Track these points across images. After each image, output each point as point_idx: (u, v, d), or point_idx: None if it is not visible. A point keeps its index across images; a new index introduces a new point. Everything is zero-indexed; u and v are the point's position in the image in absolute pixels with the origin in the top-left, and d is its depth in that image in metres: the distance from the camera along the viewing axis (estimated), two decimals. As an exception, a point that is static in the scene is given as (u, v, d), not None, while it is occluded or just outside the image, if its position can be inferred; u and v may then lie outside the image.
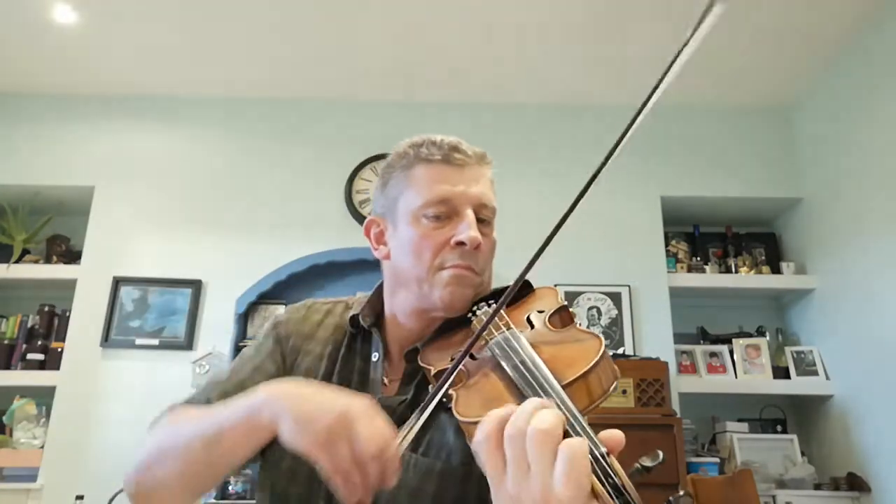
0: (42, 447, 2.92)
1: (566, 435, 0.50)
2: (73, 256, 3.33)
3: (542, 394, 0.57)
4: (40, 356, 3.12)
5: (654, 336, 3.12)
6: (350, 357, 0.93)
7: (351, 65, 3.25)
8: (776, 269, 3.32)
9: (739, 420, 3.13)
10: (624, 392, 2.64)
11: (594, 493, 0.47)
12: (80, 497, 2.68)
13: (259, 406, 0.71)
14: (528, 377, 0.61)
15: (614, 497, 0.47)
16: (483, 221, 0.88)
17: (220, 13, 2.90)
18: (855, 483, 2.76)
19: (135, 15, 2.92)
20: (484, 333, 0.72)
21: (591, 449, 0.49)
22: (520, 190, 3.36)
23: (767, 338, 3.27)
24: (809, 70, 3.19)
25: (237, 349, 3.05)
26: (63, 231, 3.40)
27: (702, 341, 3.31)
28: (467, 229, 0.84)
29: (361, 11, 2.88)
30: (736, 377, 3.13)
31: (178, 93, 3.49)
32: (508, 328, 0.74)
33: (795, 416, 3.28)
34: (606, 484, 0.48)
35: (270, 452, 0.87)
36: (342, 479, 0.65)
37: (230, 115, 3.50)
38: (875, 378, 2.75)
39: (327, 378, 0.91)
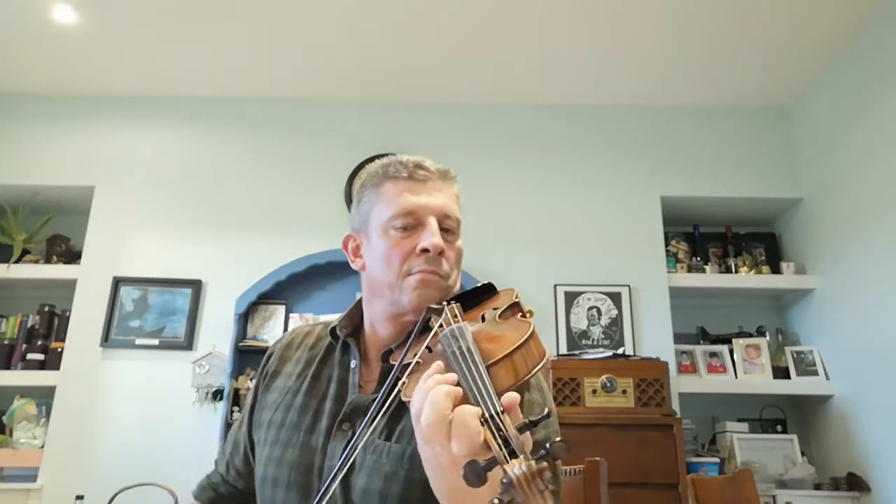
0: (42, 447, 2.92)
1: (467, 401, 0.63)
2: (73, 256, 3.33)
3: (468, 374, 0.67)
4: (40, 356, 3.12)
5: (654, 336, 3.12)
6: (325, 369, 1.03)
7: (351, 65, 3.25)
8: (776, 269, 3.32)
9: (739, 420, 3.14)
10: (624, 392, 2.64)
11: (487, 443, 0.58)
12: (80, 497, 2.68)
13: None
14: (461, 361, 0.70)
15: (502, 447, 0.56)
16: (447, 231, 0.96)
17: (221, 13, 2.90)
18: (855, 483, 2.76)
19: (135, 15, 2.92)
20: (438, 329, 0.81)
21: (485, 410, 0.60)
22: (517, 189, 3.36)
23: (767, 338, 3.27)
24: (809, 70, 3.19)
25: (237, 349, 3.05)
26: (63, 231, 3.40)
27: (702, 341, 3.31)
28: (430, 237, 0.92)
29: (361, 12, 2.88)
30: (736, 377, 3.13)
31: (178, 93, 3.49)
32: (457, 322, 0.82)
33: (795, 416, 3.28)
34: (497, 436, 0.57)
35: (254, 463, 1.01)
36: None
37: (230, 115, 3.50)
38: (875, 378, 2.75)
39: (295, 393, 1.01)
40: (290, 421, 0.97)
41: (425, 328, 0.90)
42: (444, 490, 0.67)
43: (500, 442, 0.56)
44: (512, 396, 0.62)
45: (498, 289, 0.96)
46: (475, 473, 0.53)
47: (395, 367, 0.78)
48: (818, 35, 2.96)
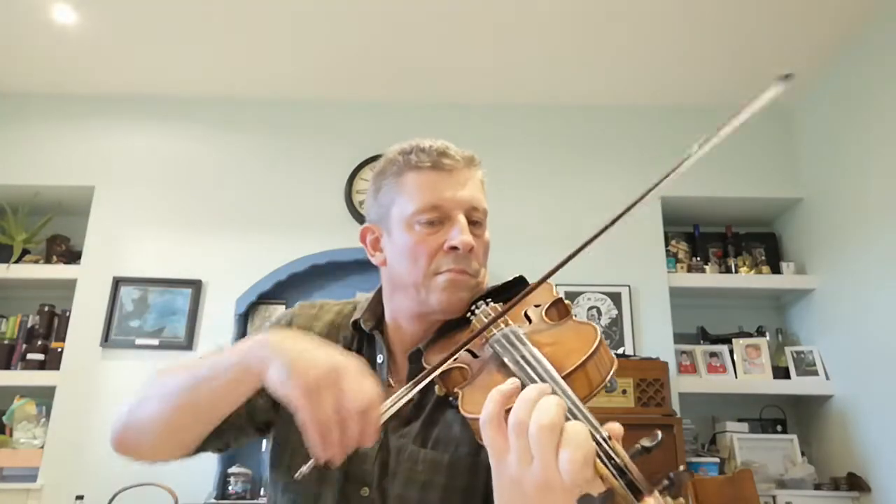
0: (42, 447, 2.92)
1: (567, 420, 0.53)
2: (73, 256, 3.33)
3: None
4: (40, 356, 3.12)
5: (654, 336, 3.12)
6: None
7: (350, 65, 3.25)
8: (776, 269, 3.32)
9: (739, 420, 3.13)
10: (624, 392, 2.64)
11: (598, 474, 0.50)
12: (80, 497, 2.68)
13: (249, 350, 0.71)
14: (530, 371, 0.63)
15: (618, 477, 0.49)
16: (475, 223, 0.89)
17: (220, 13, 2.90)
18: (855, 483, 2.76)
19: (135, 15, 2.92)
20: (485, 332, 0.74)
21: (592, 434, 0.52)
22: (518, 189, 3.36)
23: (767, 338, 3.27)
24: (809, 70, 3.19)
25: (237, 349, 3.05)
26: (63, 231, 3.40)
27: (702, 341, 3.31)
28: (459, 234, 0.85)
29: (361, 12, 2.88)
30: (736, 377, 3.13)
31: (178, 93, 3.49)
32: (507, 325, 0.76)
33: (795, 416, 3.28)
34: (609, 465, 0.50)
35: (277, 458, 0.91)
36: (320, 431, 0.64)
37: (230, 115, 3.50)
38: (875, 378, 2.75)
39: None
40: None
41: (462, 328, 0.85)
42: None
43: (616, 472, 0.50)
44: (618, 428, 0.55)
45: (529, 281, 0.89)
46: None
47: (431, 369, 0.72)
48: (818, 35, 2.96)
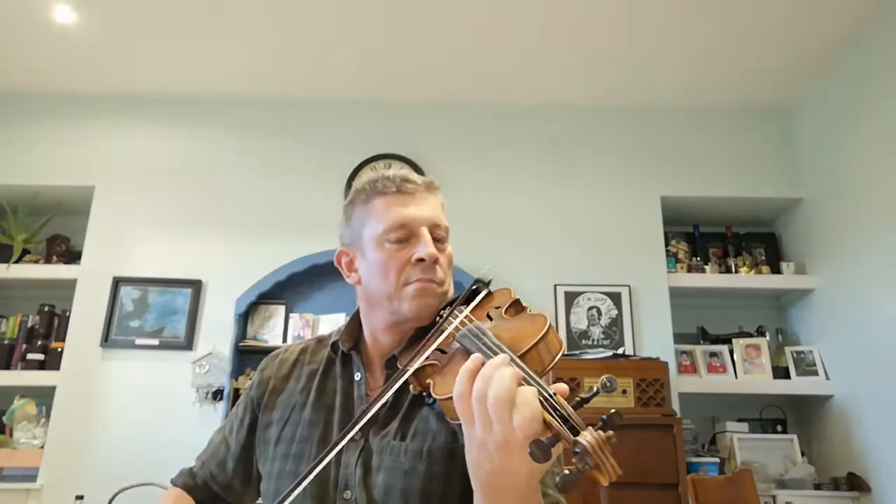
0: (42, 447, 2.92)
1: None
2: (73, 256, 3.33)
3: None
4: (40, 356, 3.12)
5: (654, 336, 3.12)
6: (328, 383, 1.05)
7: (351, 65, 3.25)
8: (776, 269, 3.32)
9: (739, 420, 3.13)
10: (624, 392, 2.64)
11: (546, 423, 0.64)
12: (80, 497, 2.68)
13: None
14: (492, 354, 0.74)
15: (561, 423, 0.62)
16: (438, 239, 0.99)
17: (220, 13, 2.91)
18: (855, 483, 2.76)
19: (135, 15, 2.92)
20: (452, 330, 0.86)
21: (540, 392, 0.66)
22: (518, 188, 3.36)
23: (767, 338, 3.27)
24: (809, 70, 3.19)
25: (237, 349, 3.06)
26: (63, 231, 3.40)
27: (702, 341, 3.31)
28: (425, 247, 0.95)
29: (361, 12, 2.88)
30: (736, 377, 3.13)
31: (178, 93, 3.49)
32: (471, 322, 0.87)
33: (795, 416, 3.28)
34: (555, 415, 0.64)
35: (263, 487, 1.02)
36: None
37: (230, 115, 3.50)
38: (875, 378, 2.75)
39: (301, 407, 1.03)
40: (300, 435, 0.98)
41: (431, 332, 0.93)
42: (484, 474, 0.70)
43: (560, 420, 0.63)
44: (562, 386, 0.68)
45: (491, 290, 0.99)
46: (542, 449, 0.59)
47: (403, 367, 0.81)
48: (818, 35, 2.96)
